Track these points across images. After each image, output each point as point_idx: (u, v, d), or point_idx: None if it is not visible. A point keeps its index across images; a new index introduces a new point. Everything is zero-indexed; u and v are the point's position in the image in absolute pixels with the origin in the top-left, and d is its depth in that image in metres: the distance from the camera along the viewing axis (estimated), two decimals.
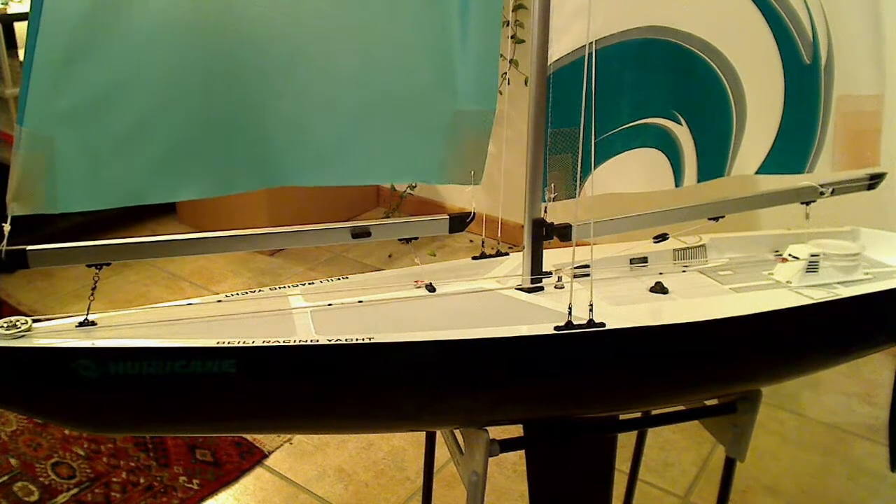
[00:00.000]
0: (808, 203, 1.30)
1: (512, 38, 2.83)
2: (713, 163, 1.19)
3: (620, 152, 1.13)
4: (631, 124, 1.12)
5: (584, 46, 1.03)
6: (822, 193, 1.29)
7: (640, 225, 1.18)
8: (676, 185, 1.18)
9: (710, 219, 1.23)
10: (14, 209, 0.87)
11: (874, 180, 1.34)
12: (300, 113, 0.94)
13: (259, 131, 0.94)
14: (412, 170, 1.00)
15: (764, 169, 1.24)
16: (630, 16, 1.08)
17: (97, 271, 0.95)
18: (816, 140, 1.25)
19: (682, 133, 1.16)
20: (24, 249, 0.90)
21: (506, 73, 3.20)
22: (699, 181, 1.19)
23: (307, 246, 1.00)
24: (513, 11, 2.74)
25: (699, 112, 1.16)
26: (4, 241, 0.88)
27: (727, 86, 1.17)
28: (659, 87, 1.13)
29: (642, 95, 1.12)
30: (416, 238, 1.05)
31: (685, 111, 1.15)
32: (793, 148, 1.25)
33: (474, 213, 1.08)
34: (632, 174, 1.14)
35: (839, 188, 1.31)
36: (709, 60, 1.14)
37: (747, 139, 1.21)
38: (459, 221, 1.03)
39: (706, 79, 1.15)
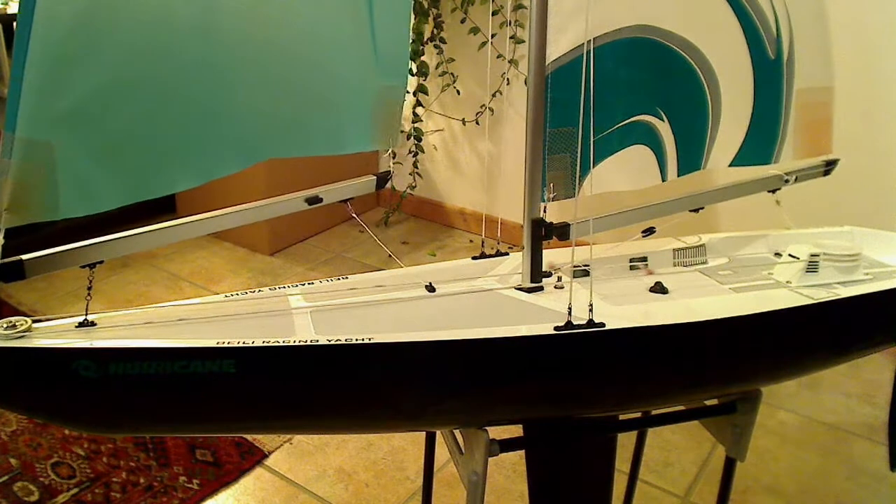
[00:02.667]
0: (773, 191, 1.37)
1: (512, 38, 2.83)
2: (691, 157, 1.23)
3: (617, 150, 1.14)
4: (624, 122, 1.14)
5: (581, 46, 1.04)
6: (786, 181, 1.35)
7: (629, 221, 1.19)
8: (662, 180, 1.21)
9: (690, 210, 1.27)
10: (9, 220, 0.83)
11: (829, 166, 1.42)
12: (263, 96, 0.99)
13: (234, 119, 0.98)
14: (348, 140, 1.10)
15: (736, 161, 1.29)
16: (623, 15, 1.10)
17: (91, 271, 0.95)
18: (780, 131, 1.31)
19: (663, 129, 1.19)
20: (21, 260, 0.88)
21: (504, 74, 3.21)
22: (679, 175, 1.23)
23: (268, 218, 1.18)
24: (512, 11, 2.74)
25: (679, 108, 1.19)
26: None
27: (704, 82, 1.20)
28: (645, 85, 1.15)
29: (633, 93, 1.14)
30: (351, 199, 1.21)
31: (666, 107, 1.18)
32: (761, 140, 1.30)
33: (392, 172, 1.19)
34: (627, 172, 1.16)
35: (801, 175, 1.37)
36: (688, 58, 1.17)
37: (722, 133, 1.25)
38: (382, 180, 1.24)
39: (686, 75, 1.18)
